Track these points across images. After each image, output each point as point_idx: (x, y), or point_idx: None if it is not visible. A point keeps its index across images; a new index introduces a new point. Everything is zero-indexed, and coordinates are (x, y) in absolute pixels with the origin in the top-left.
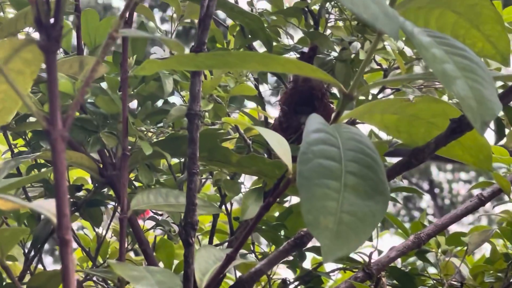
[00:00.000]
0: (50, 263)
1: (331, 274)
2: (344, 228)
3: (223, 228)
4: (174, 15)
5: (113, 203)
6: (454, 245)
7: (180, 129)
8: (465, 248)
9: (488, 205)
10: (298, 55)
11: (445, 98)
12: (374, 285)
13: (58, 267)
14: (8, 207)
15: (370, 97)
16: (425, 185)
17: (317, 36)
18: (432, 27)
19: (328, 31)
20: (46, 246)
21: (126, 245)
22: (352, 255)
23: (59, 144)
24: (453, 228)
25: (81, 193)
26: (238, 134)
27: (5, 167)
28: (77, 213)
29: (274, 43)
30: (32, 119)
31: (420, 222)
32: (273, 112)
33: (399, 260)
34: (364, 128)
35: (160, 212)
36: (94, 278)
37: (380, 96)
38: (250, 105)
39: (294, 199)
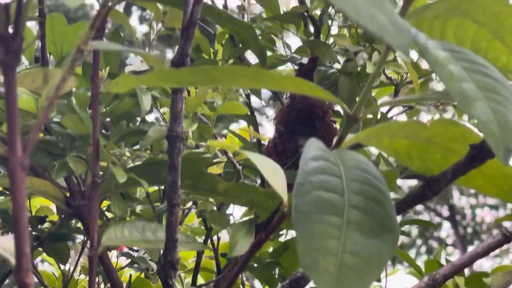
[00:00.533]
0: None
1: None
2: (346, 271)
3: (209, 266)
4: (153, 22)
5: (81, 237)
6: (474, 287)
7: (159, 153)
8: None
9: None
10: (296, 67)
11: (466, 117)
12: None
13: None
14: None
15: (379, 116)
16: (445, 211)
17: (318, 46)
18: (449, 39)
19: (331, 40)
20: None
21: (96, 285)
22: None
23: (19, 173)
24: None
25: (45, 226)
26: (226, 158)
27: None
28: (40, 248)
29: (269, 53)
30: None
31: (435, 261)
32: (269, 128)
33: None
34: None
35: (136, 248)
36: None
37: (390, 114)
38: (241, 123)
39: (291, 233)
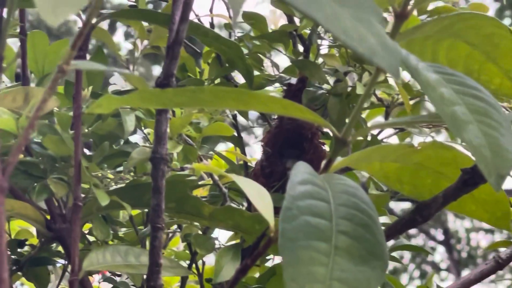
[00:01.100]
0: None
1: None
2: None
3: None
4: (138, 41)
5: (62, 261)
6: None
7: (143, 175)
8: None
9: None
10: (284, 87)
11: (459, 140)
12: None
13: None
14: None
15: (369, 138)
16: (439, 235)
17: (307, 66)
18: (441, 61)
19: (320, 60)
20: None
21: None
22: None
23: None
24: None
25: (25, 249)
26: (212, 180)
27: None
28: (19, 272)
29: (257, 73)
30: None
31: (427, 287)
32: (256, 148)
33: None
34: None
35: (118, 273)
36: None
37: (381, 136)
38: (228, 144)
39: (278, 258)
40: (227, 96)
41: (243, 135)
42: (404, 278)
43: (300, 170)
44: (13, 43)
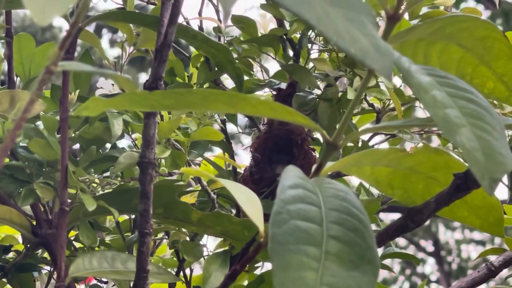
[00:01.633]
0: None
1: None
2: None
3: None
4: (125, 43)
5: (48, 267)
6: None
7: (130, 180)
8: None
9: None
10: (274, 92)
11: (450, 145)
12: None
13: None
14: None
15: (359, 144)
16: (429, 246)
17: (297, 70)
18: (433, 64)
19: (311, 64)
20: None
21: None
22: None
23: None
24: None
25: (10, 255)
26: (200, 186)
27: None
28: (4, 279)
29: (246, 78)
30: None
31: None
32: (246, 158)
33: None
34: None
35: (105, 280)
36: None
37: (371, 142)
38: (216, 150)
39: (267, 265)
40: (217, 98)
41: (232, 144)
42: None
43: (291, 174)
44: None
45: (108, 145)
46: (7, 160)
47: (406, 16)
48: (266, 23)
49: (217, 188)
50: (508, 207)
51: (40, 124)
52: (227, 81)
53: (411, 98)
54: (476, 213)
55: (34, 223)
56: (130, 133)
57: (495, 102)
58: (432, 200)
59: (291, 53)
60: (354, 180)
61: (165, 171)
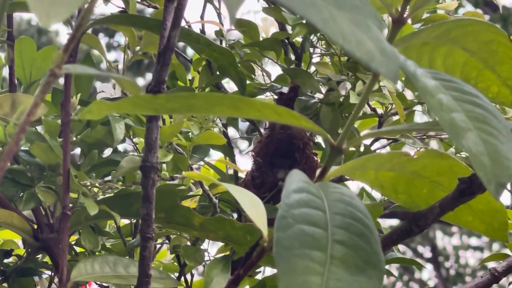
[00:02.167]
0: None
1: None
2: None
3: None
4: (127, 46)
5: (49, 272)
6: None
7: (132, 184)
8: None
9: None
10: (276, 96)
11: (451, 151)
12: None
13: None
14: None
15: (362, 148)
16: (427, 252)
17: (299, 74)
18: (438, 68)
19: (313, 68)
20: None
21: None
22: None
23: None
24: None
25: (10, 260)
26: (202, 191)
27: None
28: (5, 284)
29: (248, 82)
30: None
31: None
32: (244, 163)
33: None
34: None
35: (106, 284)
36: None
37: (374, 147)
38: (217, 155)
39: (269, 271)
40: (221, 102)
41: None
42: None
43: (295, 178)
44: None
45: (108, 149)
46: (8, 164)
47: (408, 20)
48: (268, 27)
49: (219, 192)
50: (511, 212)
51: (41, 128)
52: (227, 85)
53: (413, 103)
54: (481, 218)
55: (35, 227)
56: (132, 137)
57: (497, 106)
58: (436, 204)
59: (293, 57)
60: (352, 185)
61: (167, 176)
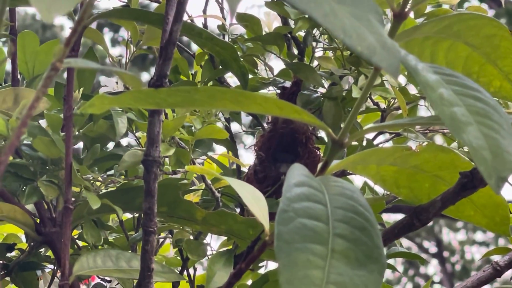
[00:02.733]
0: None
1: None
2: None
3: None
4: (130, 40)
5: (51, 266)
6: None
7: (134, 178)
8: None
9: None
10: (278, 91)
11: (454, 145)
12: None
13: None
14: None
15: (364, 143)
16: (432, 247)
17: (302, 69)
18: (440, 62)
19: (315, 63)
20: None
21: None
22: None
23: None
24: None
25: (13, 254)
26: (204, 185)
27: None
28: (7, 278)
29: (250, 76)
30: None
31: None
32: (248, 158)
33: None
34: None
35: (108, 278)
36: None
37: (376, 141)
38: (220, 149)
39: (271, 265)
40: (223, 96)
41: None
42: None
43: (296, 172)
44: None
45: (110, 143)
46: (10, 158)
47: (411, 14)
48: (270, 21)
49: (221, 186)
50: None
51: (44, 122)
52: (230, 80)
53: (416, 97)
54: (482, 212)
55: (38, 221)
56: (134, 131)
57: (499, 101)
58: (438, 198)
59: (295, 51)
60: (357, 179)
61: (169, 170)
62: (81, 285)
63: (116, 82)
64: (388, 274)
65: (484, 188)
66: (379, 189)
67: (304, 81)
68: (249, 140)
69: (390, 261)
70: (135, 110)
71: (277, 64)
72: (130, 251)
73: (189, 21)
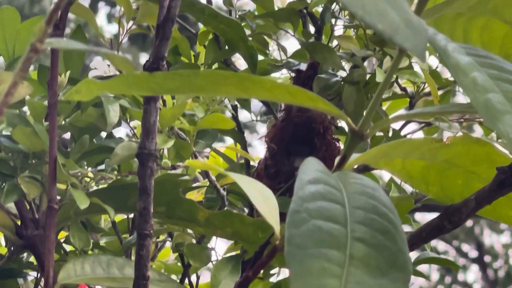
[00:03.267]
0: None
1: None
2: None
3: None
4: (123, 18)
5: (34, 274)
6: None
7: (128, 174)
8: None
9: None
10: (293, 74)
11: (494, 136)
12: None
13: None
14: None
15: (390, 133)
16: (472, 251)
17: (319, 49)
18: (474, 42)
19: (335, 43)
20: None
21: None
22: None
23: None
24: None
25: None
26: (208, 181)
27: None
28: None
29: (261, 57)
30: None
31: None
32: (260, 149)
33: None
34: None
35: (99, 287)
36: None
37: (404, 132)
38: (229, 141)
39: (284, 272)
40: (226, 81)
41: (246, 134)
42: None
43: (310, 168)
44: None
45: (104, 135)
46: None
47: None
48: None
49: (227, 183)
50: None
51: (26, 110)
52: (240, 61)
53: (450, 82)
54: None
55: (19, 223)
56: (128, 120)
57: None
58: (472, 197)
59: (312, 29)
60: (386, 175)
61: (168, 164)
62: None
63: (108, 65)
64: (421, 281)
65: None
66: (408, 187)
67: (321, 63)
68: (264, 129)
69: (424, 267)
70: (128, 97)
71: (292, 44)
72: (123, 257)
73: None
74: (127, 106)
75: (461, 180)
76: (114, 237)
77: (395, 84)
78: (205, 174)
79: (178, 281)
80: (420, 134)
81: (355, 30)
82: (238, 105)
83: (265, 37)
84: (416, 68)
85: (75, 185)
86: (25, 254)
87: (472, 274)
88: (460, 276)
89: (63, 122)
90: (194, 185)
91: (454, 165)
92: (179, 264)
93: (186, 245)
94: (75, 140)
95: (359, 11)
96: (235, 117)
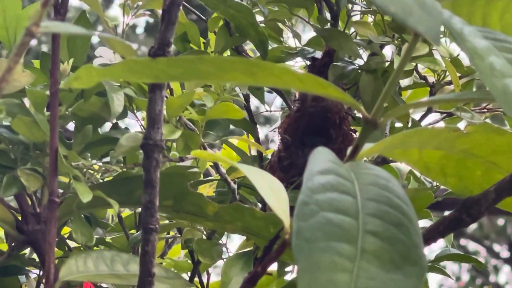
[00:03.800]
0: None
1: None
2: None
3: None
4: (128, 2)
5: (37, 271)
6: None
7: (134, 166)
8: None
9: None
10: (308, 62)
11: None
12: None
13: None
14: None
15: (409, 123)
16: (504, 251)
17: (335, 36)
18: (494, 26)
19: (351, 29)
20: None
21: None
22: None
23: None
24: None
25: None
26: (219, 174)
27: None
28: None
29: (274, 45)
30: None
31: None
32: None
33: None
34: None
35: (104, 285)
36: None
37: (424, 122)
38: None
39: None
40: (232, 67)
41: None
42: None
43: (320, 158)
44: None
45: (108, 125)
46: None
47: None
48: None
49: (239, 176)
50: None
51: (26, 99)
52: (254, 49)
53: (472, 70)
54: None
55: (19, 217)
56: (135, 110)
57: None
58: (491, 189)
59: (328, 15)
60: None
61: (175, 156)
62: None
63: (114, 53)
64: (451, 283)
65: None
66: (428, 181)
67: (337, 51)
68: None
69: (454, 268)
70: (134, 85)
71: (306, 31)
72: (129, 253)
73: None
74: (132, 95)
75: (481, 171)
76: (121, 233)
77: (414, 72)
78: (215, 167)
79: (188, 278)
80: (441, 125)
81: (372, 16)
82: (250, 94)
83: (279, 23)
84: (437, 55)
85: (78, 177)
86: (27, 251)
87: (504, 275)
88: (492, 278)
89: (66, 112)
90: (205, 179)
91: (473, 155)
92: (189, 260)
93: (195, 240)
94: (78, 131)
95: None
96: (246, 107)
